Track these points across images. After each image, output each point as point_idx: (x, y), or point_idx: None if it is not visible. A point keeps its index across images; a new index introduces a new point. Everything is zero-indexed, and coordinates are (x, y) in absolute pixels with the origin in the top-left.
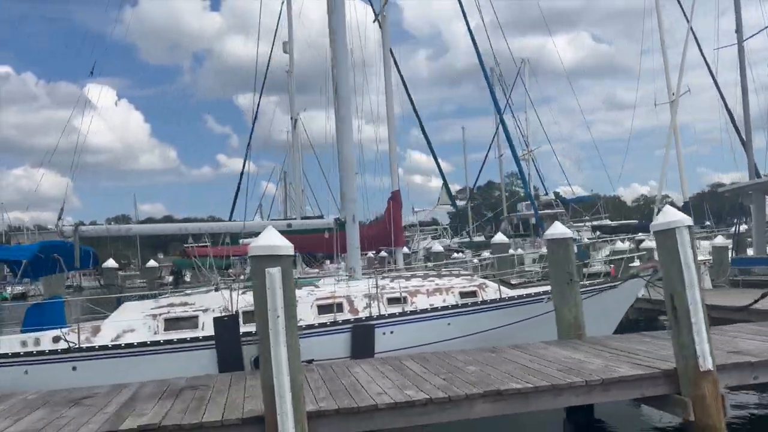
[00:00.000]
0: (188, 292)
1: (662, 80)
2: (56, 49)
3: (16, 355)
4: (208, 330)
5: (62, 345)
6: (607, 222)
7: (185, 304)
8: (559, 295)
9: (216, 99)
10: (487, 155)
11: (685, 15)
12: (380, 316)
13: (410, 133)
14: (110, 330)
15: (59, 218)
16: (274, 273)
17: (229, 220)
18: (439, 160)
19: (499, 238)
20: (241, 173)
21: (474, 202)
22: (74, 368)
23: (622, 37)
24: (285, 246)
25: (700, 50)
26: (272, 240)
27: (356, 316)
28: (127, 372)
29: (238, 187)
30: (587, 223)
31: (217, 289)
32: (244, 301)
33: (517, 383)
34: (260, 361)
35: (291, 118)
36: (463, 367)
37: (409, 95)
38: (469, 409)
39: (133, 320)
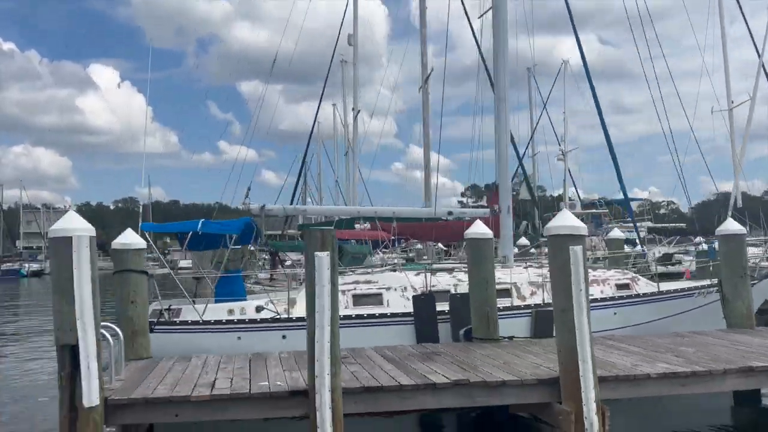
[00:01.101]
0: (368, 271)
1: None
2: (61, 28)
3: (230, 322)
4: (393, 307)
5: (264, 315)
6: (652, 224)
7: (368, 282)
8: (733, 288)
9: (220, 85)
10: (525, 153)
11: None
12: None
13: (413, 128)
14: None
15: (246, 196)
16: (578, 251)
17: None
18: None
19: (615, 234)
20: (301, 167)
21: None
22: (284, 336)
23: (629, 42)
24: (582, 227)
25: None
26: (572, 221)
27: (525, 303)
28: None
29: (299, 176)
30: (643, 224)
31: (394, 270)
32: (425, 281)
33: (761, 361)
34: (559, 329)
35: (352, 110)
36: (675, 348)
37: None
38: (722, 382)
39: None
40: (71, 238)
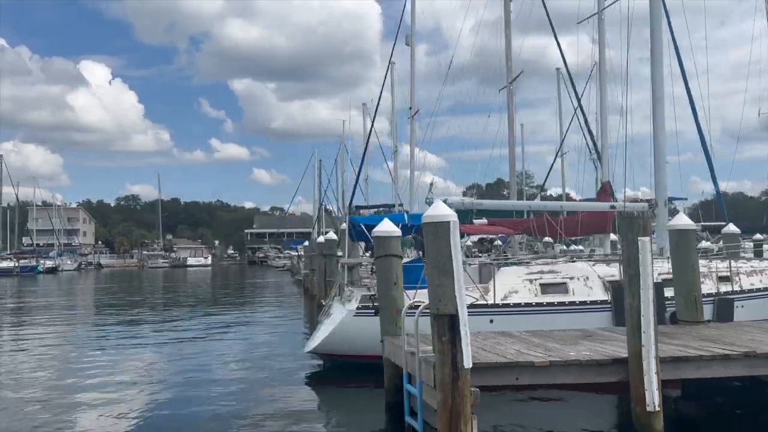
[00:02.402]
0: (549, 261)
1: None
2: (52, 23)
3: None
4: (578, 296)
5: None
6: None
7: (552, 272)
8: None
9: (212, 83)
10: (558, 154)
11: None
12: (734, 292)
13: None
14: (499, 290)
15: (429, 191)
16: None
17: (350, 204)
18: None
19: (731, 228)
20: (360, 167)
21: None
22: (491, 321)
23: (623, 42)
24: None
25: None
26: (687, 220)
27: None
28: (539, 326)
29: (357, 175)
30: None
31: (573, 260)
32: (604, 271)
33: None
34: None
35: (410, 108)
36: None
37: None
38: None
39: (515, 283)
40: (448, 222)
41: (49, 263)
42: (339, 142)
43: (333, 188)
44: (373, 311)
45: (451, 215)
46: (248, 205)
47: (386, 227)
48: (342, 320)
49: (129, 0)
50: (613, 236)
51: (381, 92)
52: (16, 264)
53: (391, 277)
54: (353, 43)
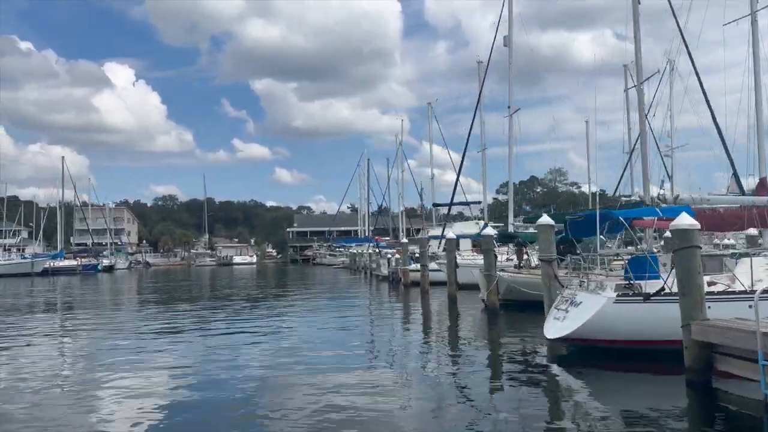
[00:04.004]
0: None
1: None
2: (77, 26)
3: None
4: None
5: (718, 288)
6: None
7: None
8: None
9: (233, 83)
10: (632, 152)
11: None
12: None
13: (425, 126)
14: (743, 279)
15: (660, 187)
16: None
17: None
18: (455, 154)
19: None
20: (460, 165)
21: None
22: (750, 306)
23: (648, 36)
24: None
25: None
26: None
27: None
28: None
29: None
30: None
31: None
32: None
33: None
34: None
35: (508, 107)
36: None
37: None
38: None
39: (758, 272)
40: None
41: (105, 262)
42: (394, 141)
43: (380, 187)
44: (635, 298)
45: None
46: (269, 203)
47: (685, 221)
48: (601, 308)
49: (151, 2)
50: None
51: (480, 91)
52: (79, 263)
53: (694, 266)
54: (373, 42)
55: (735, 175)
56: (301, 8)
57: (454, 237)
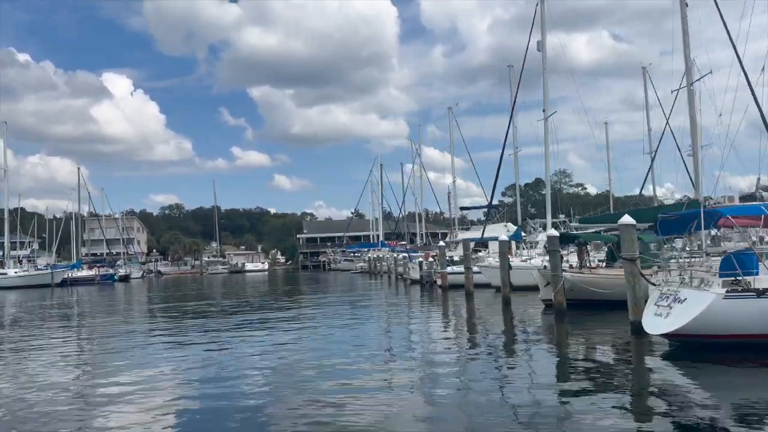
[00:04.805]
0: None
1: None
2: (75, 37)
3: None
4: None
5: None
6: None
7: None
8: None
9: (231, 91)
10: (652, 155)
11: None
12: None
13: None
14: None
15: (757, 186)
16: None
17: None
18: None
19: None
20: (498, 169)
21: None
22: None
23: (642, 37)
24: None
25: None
26: None
27: None
28: None
29: (496, 178)
30: None
31: None
32: None
33: None
34: None
35: (543, 111)
36: None
37: None
38: None
39: None
40: None
41: (121, 272)
42: (393, 146)
43: (393, 193)
44: (748, 294)
45: None
46: (272, 210)
47: None
48: (711, 304)
49: (148, 12)
50: None
51: (515, 96)
52: (97, 273)
53: None
54: (370, 47)
55: None
56: (298, 14)
57: (506, 239)
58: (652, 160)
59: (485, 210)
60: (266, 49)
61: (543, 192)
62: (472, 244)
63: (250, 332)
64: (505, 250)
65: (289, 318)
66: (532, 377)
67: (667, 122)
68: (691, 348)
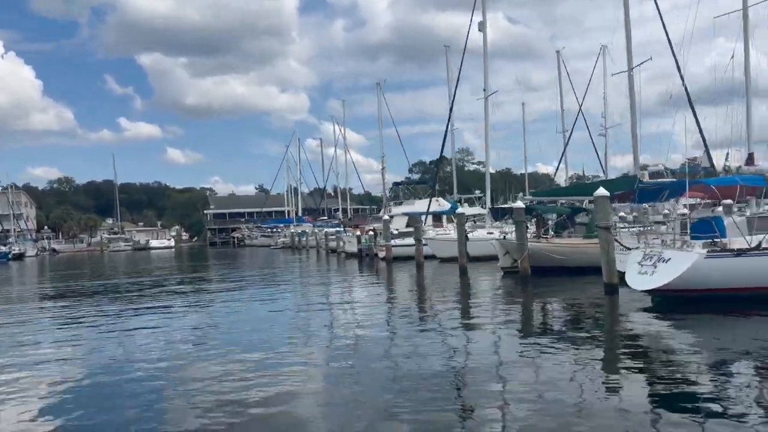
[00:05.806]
0: None
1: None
2: None
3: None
4: None
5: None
6: None
7: None
8: None
9: (117, 58)
10: (566, 136)
11: None
12: None
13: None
14: None
15: (726, 159)
16: None
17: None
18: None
19: None
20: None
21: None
22: None
23: (535, 20)
24: None
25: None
26: None
27: None
28: None
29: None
30: None
31: None
32: None
33: None
34: None
35: (483, 90)
36: None
37: None
38: None
39: None
40: None
41: (15, 249)
42: (293, 121)
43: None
44: (726, 253)
45: None
46: (169, 185)
47: None
48: (695, 262)
49: None
50: None
51: (459, 75)
52: None
53: None
54: (269, 18)
55: (707, 151)
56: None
57: (463, 212)
58: (568, 140)
59: (423, 186)
60: (156, 14)
61: (448, 169)
62: (423, 218)
63: (184, 307)
64: (462, 222)
65: (221, 290)
66: (518, 331)
67: (580, 108)
68: (673, 302)
